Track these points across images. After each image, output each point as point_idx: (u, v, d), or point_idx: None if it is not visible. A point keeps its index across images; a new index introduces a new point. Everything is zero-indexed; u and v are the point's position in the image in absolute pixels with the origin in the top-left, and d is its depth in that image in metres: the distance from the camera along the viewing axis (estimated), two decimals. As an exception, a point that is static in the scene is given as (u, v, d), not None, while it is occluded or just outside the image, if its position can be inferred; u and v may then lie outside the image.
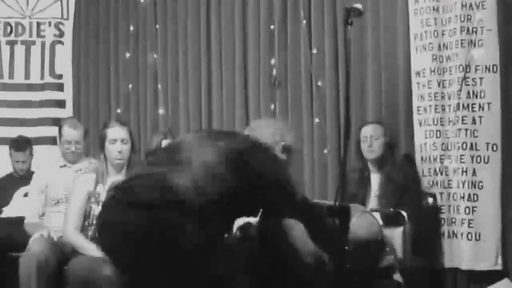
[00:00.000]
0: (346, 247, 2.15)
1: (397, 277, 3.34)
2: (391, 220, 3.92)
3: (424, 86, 4.42)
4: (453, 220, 4.33)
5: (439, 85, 4.38)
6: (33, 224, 4.40)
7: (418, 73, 4.45)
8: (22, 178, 5.20)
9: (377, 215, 4.08)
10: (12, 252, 4.45)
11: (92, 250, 3.77)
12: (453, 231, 4.33)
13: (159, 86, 5.70)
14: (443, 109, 4.38)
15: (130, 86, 5.85)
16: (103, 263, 3.56)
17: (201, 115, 5.47)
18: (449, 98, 4.35)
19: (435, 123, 4.38)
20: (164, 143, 4.66)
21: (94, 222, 3.87)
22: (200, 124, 5.46)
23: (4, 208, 5.08)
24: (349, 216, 2.18)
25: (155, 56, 5.75)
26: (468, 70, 4.26)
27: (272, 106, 5.11)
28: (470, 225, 4.25)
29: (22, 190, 5.06)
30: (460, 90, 4.27)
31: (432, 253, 4.30)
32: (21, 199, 5.05)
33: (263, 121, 3.35)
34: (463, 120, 4.28)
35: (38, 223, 4.42)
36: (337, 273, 2.09)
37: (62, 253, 4.04)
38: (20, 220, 4.56)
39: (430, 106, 4.41)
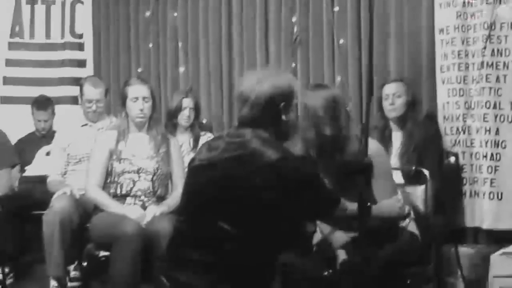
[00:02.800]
0: (369, 203, 2.14)
1: (412, 227, 3.33)
2: (412, 178, 3.91)
3: (448, 44, 4.36)
4: (475, 179, 4.30)
5: (463, 42, 4.31)
6: (56, 182, 4.46)
7: (441, 31, 4.38)
8: (44, 137, 5.25)
9: (398, 173, 4.08)
10: (36, 210, 4.52)
11: (114, 207, 3.80)
12: (475, 191, 4.31)
13: (180, 44, 5.68)
14: (467, 67, 4.32)
15: (151, 45, 5.84)
16: (125, 219, 3.61)
17: (222, 74, 5.44)
18: (473, 56, 4.29)
19: (459, 81, 4.33)
20: (185, 102, 4.67)
21: (116, 179, 3.90)
22: (221, 82, 5.44)
23: (27, 167, 5.13)
24: (370, 172, 2.17)
25: (175, 14, 5.72)
26: (493, 28, 4.18)
27: (293, 64, 5.07)
28: (492, 185, 4.22)
29: (44, 149, 5.11)
30: (484, 48, 4.20)
31: (453, 212, 4.29)
32: (43, 158, 5.10)
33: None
34: (487, 78, 4.22)
35: (60, 181, 4.47)
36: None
37: (85, 210, 4.10)
38: (42, 179, 4.62)
39: (454, 64, 4.34)
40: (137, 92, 4.00)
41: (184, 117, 4.66)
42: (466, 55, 4.31)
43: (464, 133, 4.32)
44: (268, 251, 2.44)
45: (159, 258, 2.79)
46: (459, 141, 4.34)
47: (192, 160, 2.65)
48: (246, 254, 2.39)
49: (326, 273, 3.05)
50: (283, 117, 2.51)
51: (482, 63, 4.21)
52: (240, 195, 2.38)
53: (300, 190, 2.39)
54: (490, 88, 4.21)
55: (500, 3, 4.16)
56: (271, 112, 2.49)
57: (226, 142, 2.54)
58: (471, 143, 4.31)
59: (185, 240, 2.50)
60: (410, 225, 3.33)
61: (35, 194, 4.72)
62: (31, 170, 5.11)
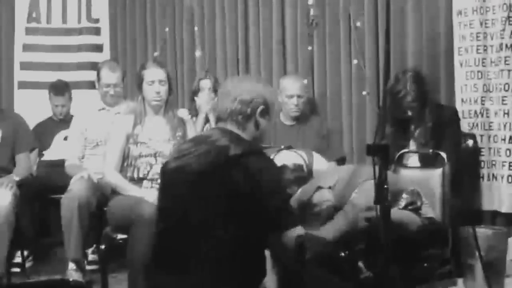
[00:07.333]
0: (386, 186, 2.13)
1: (428, 212, 3.34)
2: (430, 161, 3.89)
3: (466, 26, 4.32)
4: (493, 162, 4.27)
5: (481, 24, 4.27)
6: (74, 166, 4.48)
7: (460, 13, 4.34)
8: (62, 121, 5.27)
9: (416, 156, 4.07)
10: (54, 194, 4.55)
11: (131, 190, 3.83)
12: (493, 174, 4.28)
13: (196, 28, 5.67)
14: (485, 50, 4.27)
15: (167, 29, 5.84)
16: (142, 202, 3.63)
17: (238, 57, 5.43)
18: (492, 38, 4.25)
19: (477, 64, 4.29)
20: (202, 83, 4.61)
21: (133, 162, 3.92)
22: (237, 66, 5.43)
23: (45, 151, 5.17)
24: (388, 154, 2.16)
25: (191, -2, 5.71)
26: (512, 9, 4.14)
27: (310, 48, 5.05)
28: (511, 168, 4.19)
29: (62, 133, 5.15)
30: (503, 30, 4.16)
31: (470, 195, 4.27)
32: (61, 142, 5.13)
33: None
34: (505, 60, 4.17)
35: (78, 165, 4.50)
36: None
37: (102, 194, 4.13)
38: (61, 163, 4.65)
39: (472, 46, 4.30)
40: (154, 75, 4.00)
41: (203, 99, 4.58)
42: (485, 37, 4.27)
43: (482, 116, 4.29)
44: (250, 248, 2.46)
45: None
46: (477, 124, 4.31)
47: (166, 163, 2.72)
48: (228, 253, 2.42)
49: (342, 254, 3.06)
50: (259, 120, 2.59)
51: (501, 45, 4.17)
52: (210, 192, 2.43)
53: (263, 187, 2.42)
54: (509, 70, 4.17)
55: (519, -16, 4.11)
56: (248, 109, 2.56)
57: (195, 144, 2.62)
58: (490, 126, 4.28)
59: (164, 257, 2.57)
60: (427, 210, 3.34)
61: (53, 178, 4.75)
62: (49, 155, 5.15)
